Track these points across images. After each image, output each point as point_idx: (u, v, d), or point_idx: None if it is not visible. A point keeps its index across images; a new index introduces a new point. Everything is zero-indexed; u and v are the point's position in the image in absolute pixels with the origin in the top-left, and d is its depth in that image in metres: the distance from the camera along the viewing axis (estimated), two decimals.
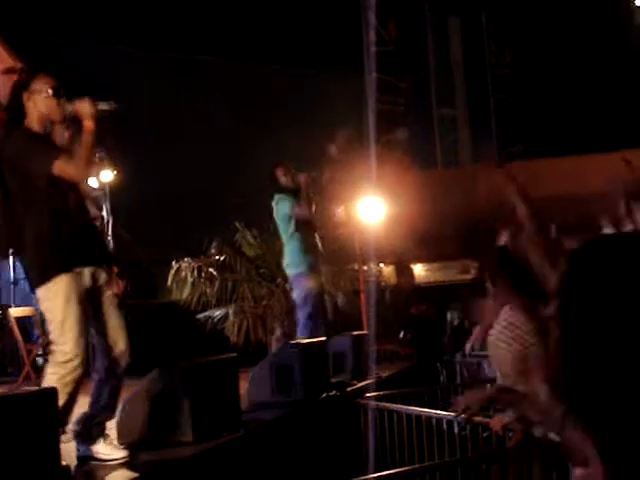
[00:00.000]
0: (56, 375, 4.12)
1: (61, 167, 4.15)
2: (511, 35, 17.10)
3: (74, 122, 4.35)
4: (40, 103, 4.27)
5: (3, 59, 10.18)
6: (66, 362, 4.11)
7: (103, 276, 4.39)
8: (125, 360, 4.42)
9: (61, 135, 4.41)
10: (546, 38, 16.07)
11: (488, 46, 17.30)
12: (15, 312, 8.61)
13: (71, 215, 4.29)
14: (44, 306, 4.19)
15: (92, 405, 4.40)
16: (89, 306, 4.29)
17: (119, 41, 13.35)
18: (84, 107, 4.25)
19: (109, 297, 4.41)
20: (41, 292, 4.17)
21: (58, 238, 4.19)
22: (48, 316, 4.19)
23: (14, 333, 8.48)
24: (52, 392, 3.76)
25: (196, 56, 14.29)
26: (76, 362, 4.11)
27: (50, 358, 4.21)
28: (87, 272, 4.30)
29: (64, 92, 4.32)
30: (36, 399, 3.66)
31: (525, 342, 3.91)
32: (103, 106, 4.30)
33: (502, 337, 4.01)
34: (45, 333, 8.64)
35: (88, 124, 4.22)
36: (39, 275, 4.18)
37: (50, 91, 4.28)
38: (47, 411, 3.61)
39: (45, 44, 11.93)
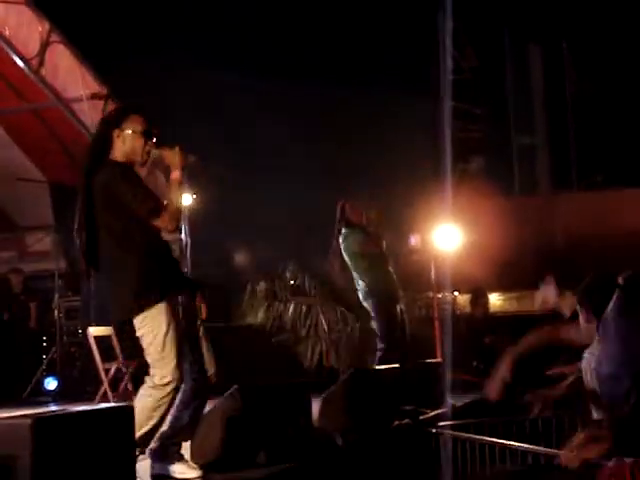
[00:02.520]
0: (151, 398, 4.23)
1: (163, 219, 4.24)
2: (593, 63, 16.87)
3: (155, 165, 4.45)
4: (128, 141, 4.34)
5: (89, 84, 10.48)
6: (164, 385, 4.21)
7: (191, 302, 4.49)
8: (213, 385, 4.51)
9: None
10: (629, 66, 15.81)
11: (569, 73, 17.08)
12: (94, 332, 8.79)
13: (162, 244, 4.41)
14: (142, 332, 4.28)
15: (172, 424, 4.45)
16: (183, 332, 4.38)
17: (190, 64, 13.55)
18: (174, 157, 4.32)
19: (197, 320, 4.51)
20: (139, 319, 4.26)
21: (154, 267, 4.30)
22: (146, 341, 4.27)
23: (92, 352, 8.66)
24: (129, 409, 3.83)
25: (272, 82, 14.43)
26: (172, 386, 4.22)
27: (147, 380, 4.29)
28: (181, 299, 4.40)
29: (155, 136, 4.39)
30: (113, 415, 3.73)
31: None
32: (192, 158, 4.37)
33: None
34: (123, 353, 8.84)
35: (176, 174, 4.30)
36: (137, 303, 4.26)
37: (140, 131, 4.35)
38: (123, 427, 3.68)
39: (145, 69, 12.22)
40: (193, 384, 4.44)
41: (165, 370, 4.21)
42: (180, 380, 4.25)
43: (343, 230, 7.63)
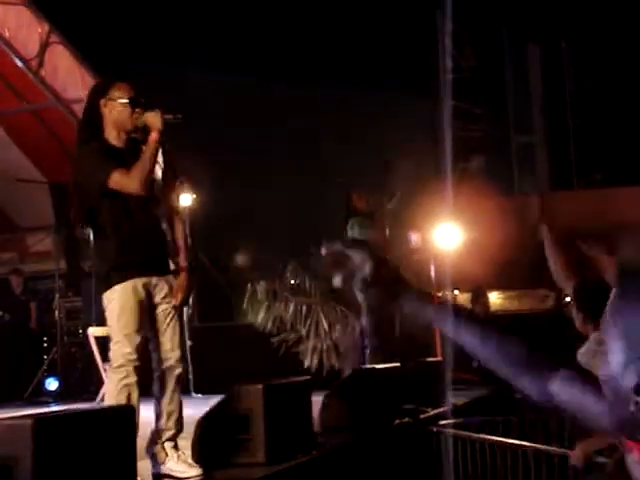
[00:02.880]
0: (111, 381, 4.24)
1: (115, 180, 4.19)
2: (592, 62, 16.88)
3: (144, 133, 4.39)
4: (115, 110, 4.32)
5: (88, 84, 10.47)
6: (117, 367, 4.21)
7: (164, 289, 4.41)
8: (176, 373, 4.43)
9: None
10: (628, 65, 15.82)
11: (568, 72, 17.10)
12: (95, 331, 8.80)
13: (139, 222, 4.32)
14: (106, 313, 4.30)
15: (156, 422, 4.46)
16: (147, 317, 4.33)
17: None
18: (152, 118, 4.29)
19: (167, 311, 4.42)
20: (105, 297, 4.29)
21: (124, 245, 4.27)
22: (109, 321, 4.30)
23: (93, 352, 8.67)
24: (129, 409, 3.85)
25: (272, 83, 14.45)
26: (126, 369, 4.19)
27: (109, 364, 4.33)
28: (143, 283, 4.32)
29: (142, 102, 4.37)
30: (114, 416, 3.74)
31: None
32: (168, 116, 4.32)
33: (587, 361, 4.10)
34: None
35: (154, 136, 4.26)
36: (104, 280, 4.30)
37: (126, 100, 4.33)
38: (124, 427, 3.69)
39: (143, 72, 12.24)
40: (157, 374, 4.42)
41: (119, 352, 4.20)
42: (135, 363, 4.19)
43: (350, 220, 7.69)
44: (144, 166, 4.23)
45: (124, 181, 4.19)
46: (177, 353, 4.43)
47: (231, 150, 12.85)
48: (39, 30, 10.44)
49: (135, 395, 4.23)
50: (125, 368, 4.20)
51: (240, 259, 11.12)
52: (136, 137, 4.43)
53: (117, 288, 4.23)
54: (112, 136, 4.36)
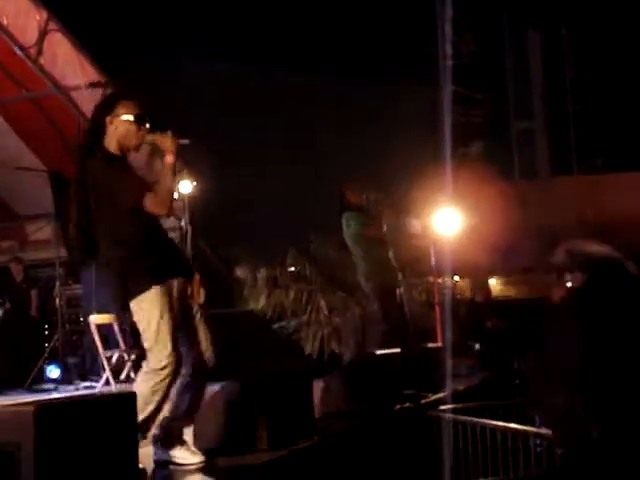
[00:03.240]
0: (148, 383, 4.25)
1: (148, 204, 4.22)
2: (592, 48, 16.83)
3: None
4: (121, 127, 4.34)
5: (87, 72, 10.46)
6: (160, 370, 4.23)
7: (189, 287, 4.48)
8: (211, 368, 4.49)
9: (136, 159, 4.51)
10: (628, 51, 15.78)
11: (568, 59, 17.06)
12: (95, 319, 8.81)
13: (158, 229, 4.42)
14: (137, 317, 4.30)
15: (173, 410, 4.47)
16: (179, 316, 4.38)
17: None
18: (166, 142, 4.31)
19: (194, 306, 4.49)
20: (134, 304, 4.29)
21: (149, 252, 4.31)
22: (142, 326, 4.30)
23: (94, 340, 8.68)
24: (131, 396, 3.86)
25: (271, 70, 14.41)
26: (168, 370, 4.23)
27: (144, 365, 4.33)
28: (175, 283, 4.39)
29: (148, 121, 4.40)
30: (115, 402, 3.76)
31: None
32: (183, 142, 4.35)
33: None
34: (125, 341, 8.87)
35: (169, 158, 4.28)
36: (132, 288, 4.29)
37: (133, 118, 4.35)
38: (126, 414, 3.70)
39: (129, 60, 12.21)
40: (191, 369, 4.45)
41: (161, 355, 4.22)
42: (176, 364, 4.26)
43: (344, 215, 7.67)
44: (169, 191, 4.30)
45: (155, 205, 4.22)
46: (211, 351, 4.49)
47: (229, 139, 12.84)
48: (37, 17, 10.39)
49: (165, 397, 4.30)
50: (167, 370, 4.23)
51: (241, 272, 11.11)
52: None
53: (152, 291, 4.25)
54: (112, 148, 4.38)
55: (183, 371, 4.45)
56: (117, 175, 4.30)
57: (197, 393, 4.52)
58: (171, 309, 4.29)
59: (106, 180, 4.27)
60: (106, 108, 4.42)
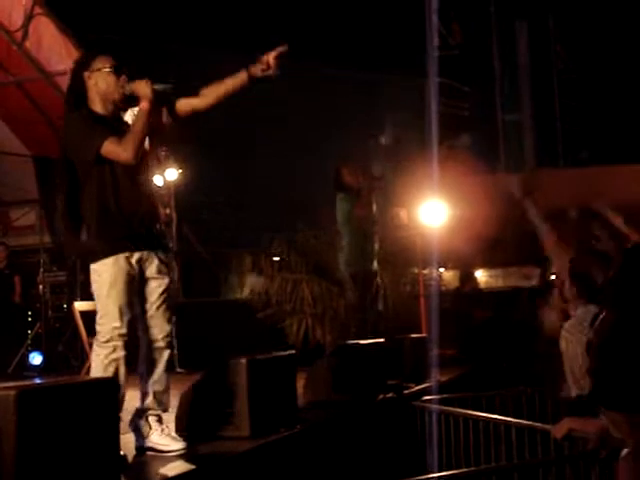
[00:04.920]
0: (98, 356, 4.20)
1: (108, 149, 4.16)
2: (579, 40, 16.86)
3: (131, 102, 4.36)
4: (100, 81, 4.30)
5: (73, 57, 10.36)
6: (106, 342, 4.17)
7: (154, 265, 4.37)
8: (166, 354, 4.41)
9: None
10: (615, 43, 15.81)
11: (555, 51, 17.08)
12: (79, 306, 8.77)
13: (124, 198, 4.28)
14: (93, 287, 4.26)
15: (142, 399, 4.44)
16: (136, 292, 4.30)
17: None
18: (142, 87, 4.25)
19: (158, 287, 4.39)
20: (92, 272, 4.25)
21: (107, 219, 4.23)
22: (95, 297, 4.26)
23: (78, 326, 8.65)
24: (113, 382, 3.84)
25: (259, 56, 14.34)
26: (114, 343, 4.16)
27: (94, 339, 4.28)
28: (137, 257, 4.30)
29: (125, 71, 4.34)
30: (97, 388, 3.73)
31: None
32: (158, 87, 4.31)
33: (577, 333, 4.23)
34: None
35: (144, 105, 4.22)
36: (88, 254, 4.26)
37: (110, 68, 4.30)
38: (108, 400, 3.68)
39: (142, 46, 12.15)
40: (145, 351, 4.39)
41: (106, 327, 4.17)
42: (122, 338, 4.17)
43: (338, 193, 7.66)
44: (136, 135, 4.20)
45: (117, 150, 4.17)
46: (167, 334, 4.41)
47: (216, 124, 12.78)
48: (23, 1, 10.31)
49: (122, 370, 4.21)
50: (113, 343, 4.17)
51: (225, 234, 11.09)
52: (120, 107, 4.40)
53: (108, 261, 4.19)
54: (98, 106, 4.33)
55: (141, 357, 4.41)
56: (81, 127, 4.23)
57: (157, 377, 4.40)
58: (125, 283, 4.21)
59: (72, 136, 4.24)
60: (83, 64, 4.38)
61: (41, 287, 10.51)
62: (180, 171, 9.84)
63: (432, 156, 11.18)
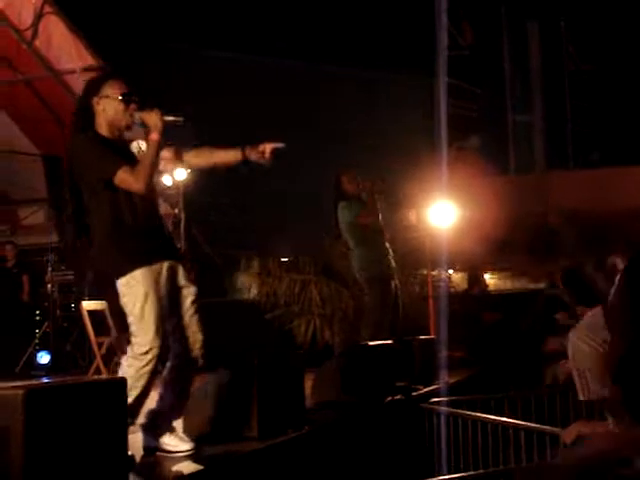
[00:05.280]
0: (132, 367, 4.18)
1: (121, 178, 4.16)
2: (591, 42, 16.80)
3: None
4: (108, 107, 4.29)
5: (82, 56, 10.38)
6: (143, 354, 4.16)
7: (180, 273, 4.39)
8: (199, 363, 4.42)
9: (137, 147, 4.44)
10: (627, 45, 15.75)
11: (567, 52, 17.03)
12: (87, 305, 8.76)
13: (146, 211, 4.31)
14: (123, 300, 4.24)
15: (159, 401, 4.42)
16: (167, 302, 4.31)
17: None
18: (152, 118, 4.25)
19: (188, 296, 4.41)
20: (121, 286, 4.23)
21: (134, 233, 4.25)
22: (127, 309, 4.24)
23: (86, 326, 8.64)
24: (121, 382, 3.82)
25: (265, 57, 14.33)
26: (151, 355, 4.16)
27: (128, 350, 4.26)
28: (165, 267, 4.32)
29: (135, 99, 4.34)
30: (105, 388, 3.72)
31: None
32: (169, 118, 4.29)
33: (584, 337, 4.25)
34: (115, 327, 8.82)
35: (154, 136, 4.22)
36: (117, 269, 4.23)
37: (120, 96, 4.29)
38: (116, 400, 3.66)
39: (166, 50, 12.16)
40: (176, 361, 4.38)
41: (144, 339, 4.16)
42: (159, 349, 4.17)
43: (339, 203, 7.62)
44: (148, 167, 4.21)
45: (129, 179, 4.17)
46: (201, 344, 4.40)
47: (225, 125, 12.78)
48: (33, 0, 10.32)
49: (152, 382, 4.23)
50: (150, 355, 4.16)
51: (233, 235, 11.07)
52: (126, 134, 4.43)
53: (137, 274, 4.18)
54: (104, 131, 4.33)
55: (169, 363, 4.40)
56: (94, 151, 4.23)
57: (183, 387, 4.44)
58: (158, 293, 4.22)
59: (83, 158, 4.23)
60: (92, 90, 4.37)
61: (49, 286, 10.51)
62: (189, 171, 9.82)
63: (441, 157, 11.15)
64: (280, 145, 4.50)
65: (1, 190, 12.81)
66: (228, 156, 4.55)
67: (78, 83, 10.54)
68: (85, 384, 3.89)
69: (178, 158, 4.51)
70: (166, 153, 4.42)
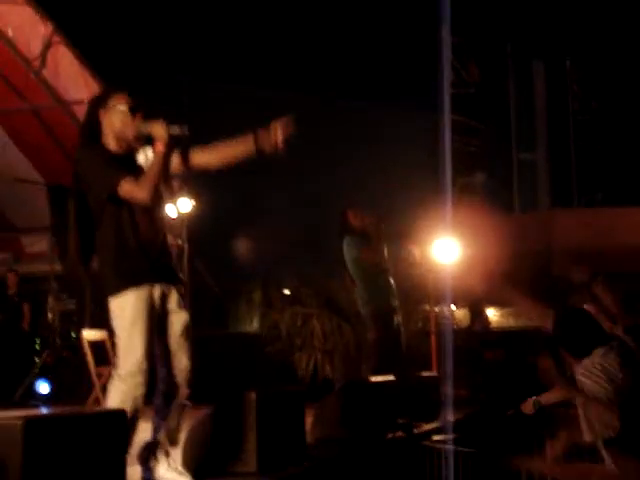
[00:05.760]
0: (118, 391, 4.13)
1: (125, 189, 4.15)
2: (596, 82, 16.89)
3: (149, 143, 4.36)
4: (115, 119, 4.28)
5: (90, 86, 10.44)
6: (127, 378, 4.11)
7: (174, 298, 4.35)
8: (183, 392, 4.36)
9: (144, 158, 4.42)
10: (632, 85, 15.83)
11: (572, 92, 17.10)
12: (88, 335, 8.73)
13: (141, 232, 4.27)
14: (113, 321, 4.21)
15: (153, 432, 4.38)
16: (156, 326, 4.26)
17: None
18: (157, 129, 4.24)
19: (178, 321, 4.37)
20: (112, 305, 4.20)
21: (129, 252, 4.21)
22: (116, 329, 4.21)
23: (86, 356, 8.60)
24: (121, 413, 3.78)
25: (276, 91, 14.40)
26: (138, 379, 4.10)
27: (113, 372, 4.22)
28: (159, 290, 4.28)
29: (141, 111, 4.34)
30: (105, 420, 3.68)
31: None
32: (174, 130, 4.29)
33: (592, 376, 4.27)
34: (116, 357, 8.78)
35: (159, 147, 4.22)
36: (108, 288, 4.21)
37: (125, 107, 4.29)
38: (115, 432, 3.63)
39: (175, 82, 12.21)
40: (163, 387, 4.33)
41: (129, 361, 4.11)
42: (146, 375, 4.12)
43: (345, 238, 7.62)
44: (152, 177, 4.20)
45: (134, 190, 4.16)
46: (187, 370, 4.35)
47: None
48: (43, 30, 10.40)
49: (140, 407, 4.16)
50: (136, 379, 4.11)
51: (236, 266, 11.04)
52: (133, 146, 4.40)
53: (130, 294, 4.15)
54: (112, 144, 4.32)
55: (158, 390, 4.35)
56: (99, 164, 4.22)
57: (175, 415, 4.36)
58: (148, 315, 4.17)
59: (88, 170, 4.22)
60: (99, 102, 4.38)
61: (50, 315, 10.49)
62: (193, 202, 9.83)
63: (445, 193, 11.16)
64: (289, 127, 4.37)
65: (5, 218, 12.84)
66: (239, 148, 4.43)
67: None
68: (85, 415, 3.86)
69: (186, 162, 4.45)
70: (174, 159, 4.40)
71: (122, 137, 4.32)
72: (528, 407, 5.14)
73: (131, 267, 4.20)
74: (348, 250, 7.58)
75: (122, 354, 4.16)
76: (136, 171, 4.27)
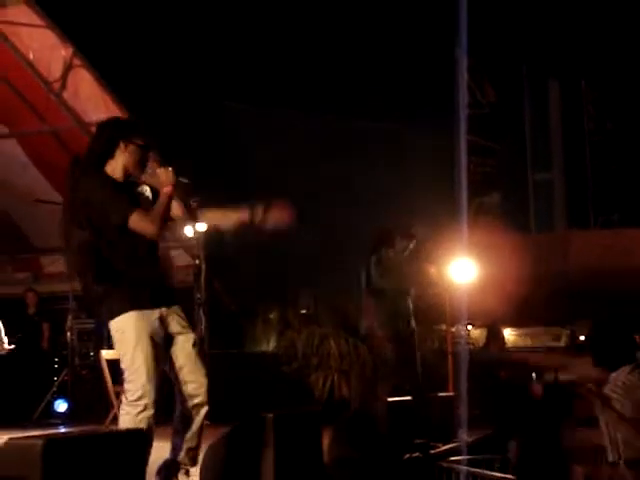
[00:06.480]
0: (128, 415, 4.19)
1: (135, 221, 4.24)
2: (611, 102, 16.87)
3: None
4: (133, 154, 4.38)
5: (110, 109, 10.54)
6: (136, 400, 4.17)
7: (175, 321, 4.42)
8: (203, 411, 4.42)
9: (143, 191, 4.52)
10: None
11: (587, 112, 17.09)
12: (106, 354, 8.78)
13: (142, 259, 4.37)
14: (116, 344, 4.29)
15: (172, 452, 4.42)
16: (161, 350, 4.32)
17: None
18: (167, 176, 4.34)
19: (187, 341, 4.42)
20: (113, 331, 4.28)
21: (129, 276, 4.28)
22: (120, 353, 4.29)
23: (104, 375, 8.65)
24: (139, 432, 3.82)
25: (288, 109, 14.45)
26: (146, 401, 4.16)
27: (122, 397, 4.28)
28: (159, 314, 4.34)
29: (157, 156, 4.47)
30: (125, 439, 3.71)
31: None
32: (183, 180, 4.40)
33: (615, 395, 4.28)
34: None
35: (168, 189, 4.32)
36: (108, 311, 4.29)
37: (143, 147, 4.41)
38: (133, 452, 3.65)
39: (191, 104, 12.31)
40: (181, 409, 4.38)
41: (135, 385, 4.17)
42: (154, 395, 4.17)
43: (372, 257, 7.67)
44: (160, 214, 4.31)
45: (143, 223, 4.26)
46: (205, 388, 4.40)
47: (247, 176, 12.87)
48: (63, 52, 10.52)
49: (152, 426, 4.20)
50: (144, 401, 4.16)
51: (253, 286, 11.08)
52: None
53: (131, 316, 4.21)
54: (117, 174, 4.40)
55: (176, 411, 4.40)
56: (111, 193, 4.29)
57: (193, 434, 4.42)
58: (150, 340, 4.22)
59: (99, 198, 4.29)
60: (123, 132, 4.44)
61: (69, 334, 10.55)
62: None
63: (461, 214, 11.18)
64: (287, 212, 4.54)
65: (25, 238, 12.94)
66: (234, 218, 4.64)
67: None
68: (105, 435, 3.89)
69: (192, 216, 4.58)
70: (177, 211, 4.48)
71: (130, 171, 4.42)
72: (537, 390, 5.01)
73: (130, 293, 4.27)
74: (376, 269, 7.62)
75: (128, 379, 4.23)
76: (135, 200, 4.38)
